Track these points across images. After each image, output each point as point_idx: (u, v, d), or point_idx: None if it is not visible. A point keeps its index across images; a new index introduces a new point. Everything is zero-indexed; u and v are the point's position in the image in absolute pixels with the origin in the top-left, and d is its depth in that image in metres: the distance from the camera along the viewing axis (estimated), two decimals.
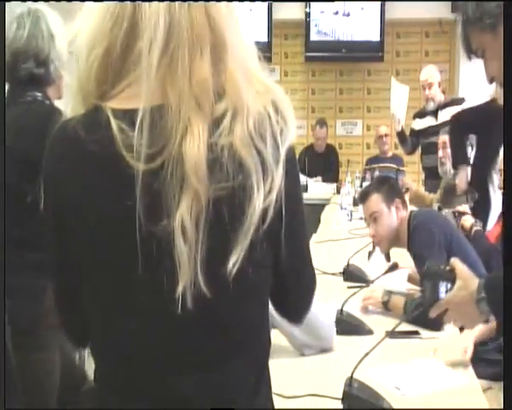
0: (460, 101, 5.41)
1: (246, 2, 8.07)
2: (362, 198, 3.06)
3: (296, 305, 1.10)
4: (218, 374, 0.97)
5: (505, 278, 1.38)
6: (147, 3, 0.89)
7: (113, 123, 0.89)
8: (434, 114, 5.44)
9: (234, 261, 0.89)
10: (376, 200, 2.90)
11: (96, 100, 0.92)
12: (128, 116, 0.89)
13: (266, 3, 7.20)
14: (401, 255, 3.17)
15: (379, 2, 7.41)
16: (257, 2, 7.19)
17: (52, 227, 0.97)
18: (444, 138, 4.70)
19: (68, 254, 0.95)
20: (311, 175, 6.53)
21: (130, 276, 0.91)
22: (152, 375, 0.95)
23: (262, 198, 0.89)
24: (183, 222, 0.87)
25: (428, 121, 5.48)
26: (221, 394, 0.97)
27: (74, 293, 0.98)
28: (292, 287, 1.05)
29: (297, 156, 1.01)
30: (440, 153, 4.68)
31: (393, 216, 2.87)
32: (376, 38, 7.52)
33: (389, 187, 2.97)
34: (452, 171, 4.50)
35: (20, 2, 2.24)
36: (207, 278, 0.89)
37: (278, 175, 0.91)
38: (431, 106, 5.43)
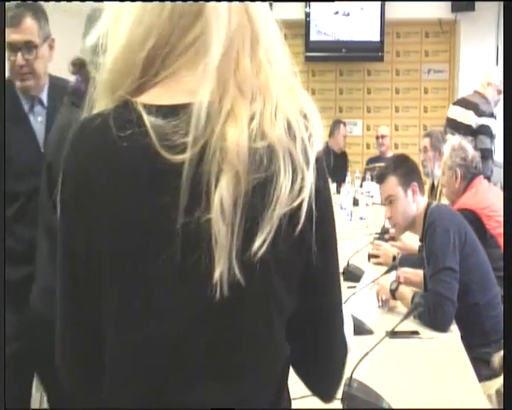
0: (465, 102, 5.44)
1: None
2: (379, 179, 3.02)
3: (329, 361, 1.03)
4: (240, 385, 0.93)
5: (505, 277, 1.38)
6: None
7: (146, 119, 0.87)
8: None
9: (259, 244, 0.85)
10: (393, 183, 2.86)
11: (126, 95, 0.90)
12: (162, 112, 0.88)
13: (266, 3, 7.18)
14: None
15: (379, 3, 7.42)
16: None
17: (74, 226, 0.92)
18: (424, 143, 4.87)
19: (91, 256, 0.91)
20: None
21: (164, 270, 0.88)
22: (170, 382, 0.92)
23: (290, 184, 0.86)
24: (222, 201, 0.84)
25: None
26: (240, 406, 0.93)
27: (92, 303, 0.93)
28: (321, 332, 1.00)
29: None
30: (422, 156, 4.87)
31: (410, 200, 2.83)
32: (376, 38, 7.52)
33: (406, 169, 2.91)
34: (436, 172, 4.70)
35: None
36: (241, 267, 0.86)
37: (309, 175, 0.89)
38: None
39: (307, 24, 7.46)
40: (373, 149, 7.42)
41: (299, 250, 0.91)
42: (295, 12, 7.32)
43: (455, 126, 5.19)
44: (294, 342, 0.99)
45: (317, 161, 0.91)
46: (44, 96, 2.39)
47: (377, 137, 6.92)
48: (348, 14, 7.49)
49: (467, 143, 3.67)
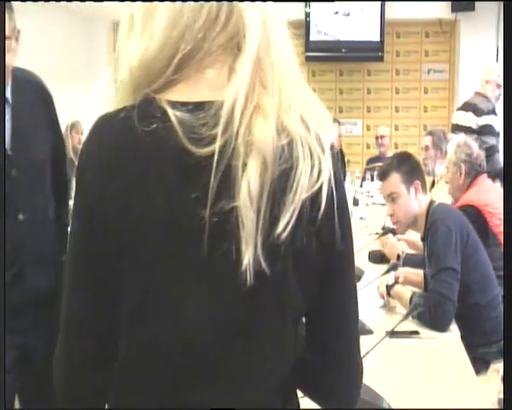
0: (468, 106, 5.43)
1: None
2: (381, 176, 2.99)
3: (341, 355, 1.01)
4: (252, 384, 0.93)
5: (505, 277, 1.38)
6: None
7: (171, 114, 0.86)
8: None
9: (282, 227, 0.86)
10: (395, 180, 2.84)
11: (150, 93, 0.90)
12: (187, 108, 0.88)
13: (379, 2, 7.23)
14: None
15: (379, 3, 7.42)
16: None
17: (92, 225, 0.89)
18: (426, 141, 4.92)
19: (110, 250, 0.89)
20: None
21: (189, 263, 0.88)
22: (186, 381, 0.91)
23: (309, 170, 0.88)
24: (250, 187, 0.84)
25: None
26: (252, 407, 0.93)
27: (108, 299, 0.91)
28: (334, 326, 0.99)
29: None
30: (423, 155, 4.89)
31: (412, 198, 2.82)
32: (376, 38, 7.52)
33: (409, 167, 2.89)
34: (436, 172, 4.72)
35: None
36: (265, 256, 0.86)
37: (326, 160, 0.90)
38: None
39: (307, 24, 7.46)
40: (373, 149, 7.42)
41: (319, 240, 0.91)
42: (295, 12, 7.31)
43: (458, 131, 5.16)
44: (309, 346, 0.99)
45: (331, 148, 0.93)
46: (9, 93, 2.10)
47: (376, 138, 6.93)
48: (348, 14, 7.49)
49: (472, 141, 3.68)
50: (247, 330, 0.91)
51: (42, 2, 5.78)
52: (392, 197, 2.88)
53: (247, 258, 0.85)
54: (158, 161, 0.87)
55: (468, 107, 5.36)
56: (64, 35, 6.96)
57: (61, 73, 6.51)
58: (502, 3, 6.31)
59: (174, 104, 0.88)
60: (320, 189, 0.88)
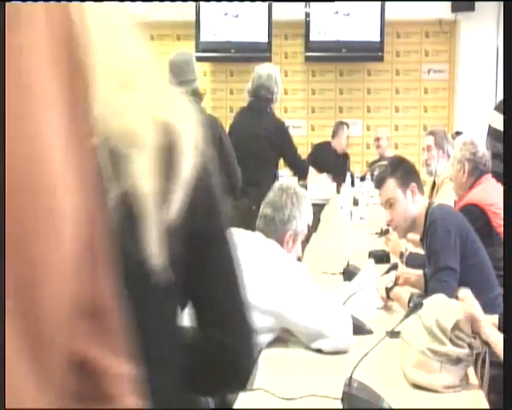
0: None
1: (246, 2, 8.10)
2: (377, 184, 2.99)
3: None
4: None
5: (505, 279, 1.38)
6: None
7: None
8: None
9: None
10: (391, 186, 2.83)
11: None
12: None
13: (266, 3, 7.19)
14: None
15: (379, 3, 7.42)
16: (257, 2, 7.18)
17: None
18: (428, 141, 4.86)
19: None
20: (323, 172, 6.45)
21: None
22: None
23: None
24: (147, 168, 0.86)
25: None
26: None
27: None
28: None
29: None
30: (425, 155, 4.84)
31: (409, 201, 2.81)
32: (376, 38, 7.52)
33: (404, 170, 2.88)
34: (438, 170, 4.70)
35: None
36: None
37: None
38: None
39: (307, 24, 7.46)
40: (373, 149, 7.43)
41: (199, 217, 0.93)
42: (295, 12, 7.31)
43: (497, 137, 4.55)
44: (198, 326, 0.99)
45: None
46: None
47: (374, 139, 6.98)
48: (348, 14, 7.49)
49: (478, 141, 3.68)
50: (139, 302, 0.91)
51: (41, 2, 5.78)
52: (389, 203, 2.87)
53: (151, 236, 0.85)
54: None
55: None
56: None
57: None
58: (502, 3, 6.30)
59: None
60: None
